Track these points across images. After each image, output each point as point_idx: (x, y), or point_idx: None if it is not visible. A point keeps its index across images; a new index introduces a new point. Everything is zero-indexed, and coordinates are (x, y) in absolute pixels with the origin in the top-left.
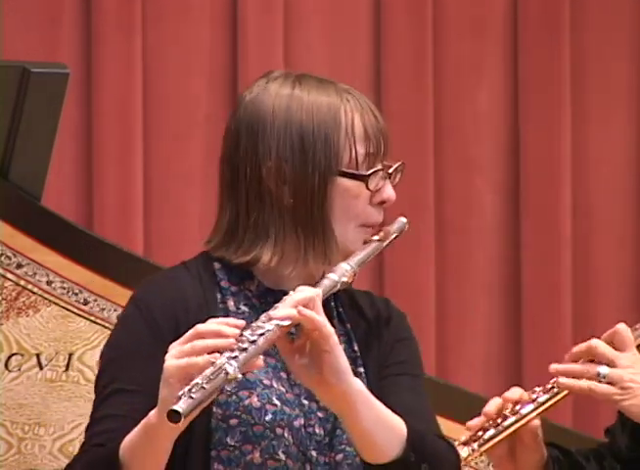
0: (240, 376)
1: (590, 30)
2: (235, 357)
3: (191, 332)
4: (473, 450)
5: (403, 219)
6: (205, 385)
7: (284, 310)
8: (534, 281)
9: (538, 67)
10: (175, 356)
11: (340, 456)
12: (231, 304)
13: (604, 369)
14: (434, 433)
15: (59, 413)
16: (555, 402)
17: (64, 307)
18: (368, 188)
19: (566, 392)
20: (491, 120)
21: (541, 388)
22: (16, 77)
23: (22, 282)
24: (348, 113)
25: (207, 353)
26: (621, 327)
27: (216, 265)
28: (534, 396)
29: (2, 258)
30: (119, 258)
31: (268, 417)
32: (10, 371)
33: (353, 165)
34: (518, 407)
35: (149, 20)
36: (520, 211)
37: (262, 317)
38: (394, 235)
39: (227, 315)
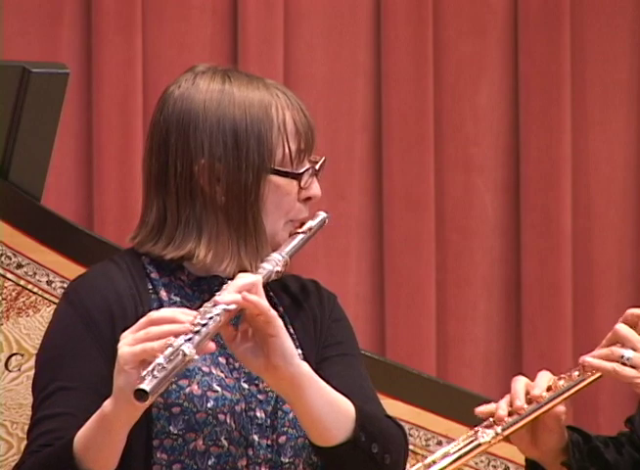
0: (196, 357)
1: (590, 30)
2: (190, 340)
3: (143, 320)
4: (496, 434)
5: (323, 214)
6: (165, 365)
7: (229, 296)
8: (534, 281)
9: (538, 67)
10: (129, 344)
11: (282, 438)
12: (163, 294)
13: (628, 352)
14: (382, 413)
15: None
16: (580, 389)
17: None
18: (300, 186)
19: (591, 379)
20: (491, 120)
21: (568, 374)
22: (16, 77)
23: (22, 282)
24: (280, 109)
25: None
26: None
27: (144, 259)
28: (561, 382)
29: (2, 258)
30: None
31: (210, 404)
32: (10, 371)
33: (287, 163)
34: (543, 393)
35: (149, 20)
36: (520, 211)
37: (208, 303)
38: (316, 229)
39: (161, 305)
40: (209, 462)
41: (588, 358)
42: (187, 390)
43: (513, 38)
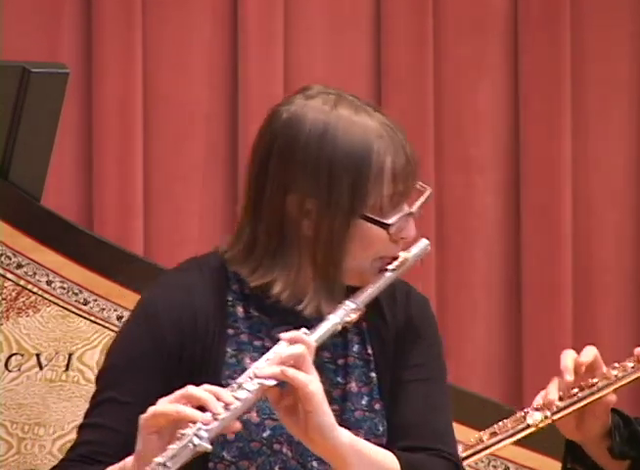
0: (209, 447)
1: (590, 30)
2: (206, 430)
3: (180, 392)
4: (545, 417)
5: (425, 242)
6: (175, 459)
7: (269, 369)
8: (534, 281)
9: (539, 66)
10: (152, 411)
11: None
12: (240, 309)
13: None
14: (441, 449)
15: (59, 413)
16: (632, 380)
17: (64, 307)
18: (389, 234)
19: None
20: (491, 120)
21: (622, 364)
22: (16, 77)
23: (22, 282)
24: (381, 154)
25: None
26: None
27: (232, 284)
28: (614, 372)
29: (2, 258)
30: (119, 258)
31: (266, 433)
32: (10, 371)
33: (377, 210)
34: (595, 380)
35: (149, 19)
36: (520, 211)
37: (248, 372)
38: (412, 261)
39: (235, 320)
40: None
41: None
42: (245, 417)
43: (513, 38)
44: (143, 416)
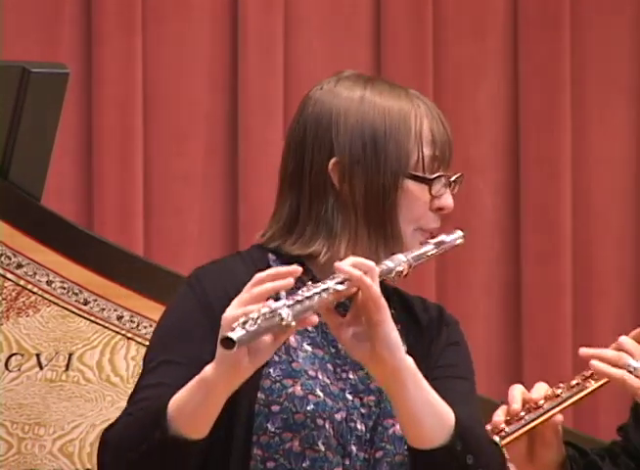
0: (293, 324)
1: (590, 30)
2: (290, 306)
3: (251, 281)
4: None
5: (460, 232)
6: (258, 321)
7: (347, 269)
8: (534, 281)
9: (538, 67)
10: (233, 306)
11: (379, 453)
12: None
13: (635, 363)
14: (483, 433)
15: (59, 413)
16: (579, 399)
17: (64, 307)
18: (430, 193)
19: (591, 388)
20: (491, 120)
21: (567, 383)
22: (16, 77)
23: (22, 282)
24: (418, 118)
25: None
26: None
27: (271, 257)
28: (559, 391)
29: (2, 258)
30: (119, 258)
31: (310, 407)
32: (10, 371)
33: (420, 168)
34: (541, 402)
35: (149, 20)
36: (520, 211)
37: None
38: (448, 245)
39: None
40: (304, 464)
41: (597, 363)
42: (290, 390)
43: (513, 39)
44: (227, 314)
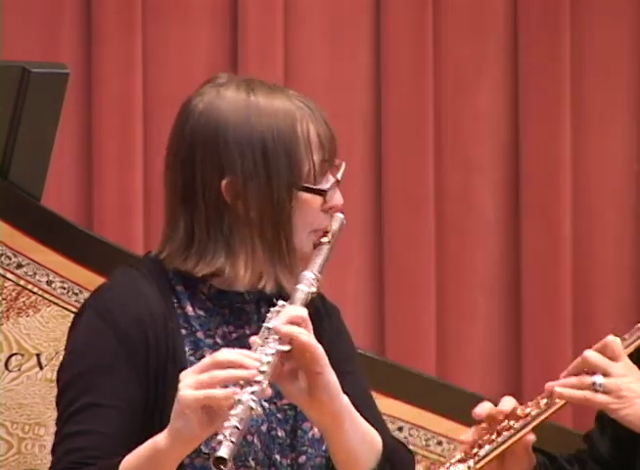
0: (260, 410)
1: (590, 30)
2: (253, 392)
3: (208, 360)
4: (469, 468)
5: (340, 216)
6: (239, 426)
7: (283, 332)
8: (534, 281)
9: (538, 67)
10: (192, 387)
11: (302, 458)
12: (189, 309)
13: (599, 379)
14: (396, 439)
15: None
16: (548, 416)
17: (64, 307)
18: (325, 200)
19: (560, 404)
20: (491, 120)
21: (535, 401)
22: (16, 77)
23: (22, 282)
24: (304, 123)
25: (221, 386)
26: (610, 338)
27: (170, 271)
28: (528, 410)
29: (2, 258)
30: (119, 258)
31: None
32: (10, 371)
33: (312, 178)
34: (512, 423)
35: (149, 20)
36: (520, 211)
37: (257, 341)
38: (338, 234)
39: (187, 320)
40: None
41: (558, 388)
42: None
43: (513, 38)
44: (184, 395)
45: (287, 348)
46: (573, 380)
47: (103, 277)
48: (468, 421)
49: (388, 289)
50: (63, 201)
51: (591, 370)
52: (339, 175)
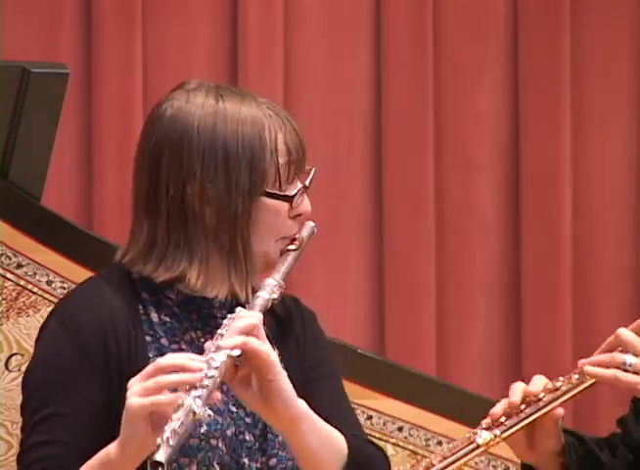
0: (206, 413)
1: (590, 30)
2: (199, 396)
3: (152, 367)
4: (495, 436)
5: (311, 224)
6: (178, 430)
7: (232, 340)
8: (534, 281)
9: (538, 67)
10: (138, 394)
11: (273, 461)
12: (154, 315)
13: (630, 358)
14: (364, 438)
15: None
16: (578, 392)
17: None
18: (291, 206)
19: (590, 382)
20: (491, 120)
21: (567, 376)
22: (16, 77)
23: (22, 282)
24: (272, 130)
25: (170, 390)
26: None
27: (135, 276)
28: (558, 384)
29: (2, 258)
30: None
31: (203, 429)
32: (10, 371)
33: (277, 185)
34: (541, 395)
35: (149, 20)
36: (520, 211)
37: (210, 347)
38: (307, 240)
39: (151, 327)
40: None
41: (588, 367)
42: None
43: (513, 38)
44: (131, 403)
45: (237, 353)
46: (603, 357)
47: None
48: (468, 421)
49: (388, 289)
50: (63, 201)
51: (624, 348)
52: (307, 182)
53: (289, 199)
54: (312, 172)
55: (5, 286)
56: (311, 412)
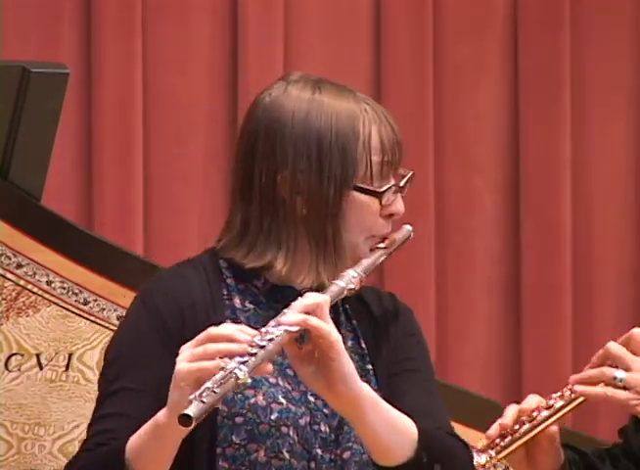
0: (249, 381)
1: (590, 30)
2: (245, 362)
3: (203, 335)
4: (490, 458)
5: (409, 227)
6: (215, 389)
7: (292, 317)
8: (534, 281)
9: (538, 67)
10: (187, 360)
11: (347, 454)
12: (237, 301)
13: (620, 373)
14: (447, 431)
15: (59, 413)
16: (571, 409)
17: (64, 307)
18: (381, 203)
19: (581, 398)
20: (491, 120)
21: (558, 394)
22: (16, 77)
23: (22, 282)
24: (366, 124)
25: (219, 358)
26: (636, 331)
27: (222, 263)
28: (551, 401)
29: (2, 258)
30: (119, 258)
31: (274, 416)
32: (10, 371)
33: (368, 179)
34: (534, 414)
35: (149, 20)
36: (520, 211)
37: (271, 323)
38: (400, 243)
39: (234, 312)
40: None
41: (578, 386)
42: (252, 400)
43: (513, 38)
44: (178, 369)
45: (295, 328)
46: (593, 372)
47: (103, 277)
48: (468, 421)
49: (388, 289)
50: (63, 201)
51: (614, 363)
52: (401, 183)
53: (378, 195)
54: (409, 175)
55: (5, 286)
56: (375, 395)
